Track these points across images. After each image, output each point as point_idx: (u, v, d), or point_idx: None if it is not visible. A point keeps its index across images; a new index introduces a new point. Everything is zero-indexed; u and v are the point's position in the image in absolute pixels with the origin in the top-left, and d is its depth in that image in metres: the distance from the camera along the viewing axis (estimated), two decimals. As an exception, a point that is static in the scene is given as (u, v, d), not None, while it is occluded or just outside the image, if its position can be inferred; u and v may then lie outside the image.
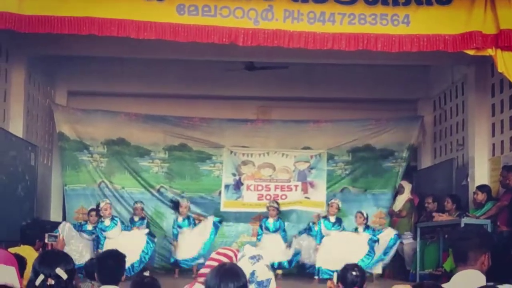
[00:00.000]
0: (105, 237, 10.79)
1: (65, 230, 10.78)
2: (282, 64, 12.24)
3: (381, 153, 13.08)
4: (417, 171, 13.39)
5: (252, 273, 3.63)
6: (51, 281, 3.63)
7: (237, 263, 3.98)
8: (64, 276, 3.67)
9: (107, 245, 10.49)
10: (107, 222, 10.91)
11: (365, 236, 10.89)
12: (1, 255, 5.01)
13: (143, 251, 10.72)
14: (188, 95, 13.30)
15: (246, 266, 3.67)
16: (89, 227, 11.30)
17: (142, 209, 11.99)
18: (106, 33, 8.47)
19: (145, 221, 11.90)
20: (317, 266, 10.85)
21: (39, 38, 9.60)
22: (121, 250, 5.06)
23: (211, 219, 11.66)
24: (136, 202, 12.13)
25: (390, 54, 8.87)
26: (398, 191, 12.67)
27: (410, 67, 12.34)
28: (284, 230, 11.70)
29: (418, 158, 13.44)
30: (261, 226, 11.73)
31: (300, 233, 11.88)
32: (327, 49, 8.71)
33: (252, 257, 3.71)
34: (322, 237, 11.09)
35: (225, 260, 4.07)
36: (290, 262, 11.44)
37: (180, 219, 11.61)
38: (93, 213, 11.32)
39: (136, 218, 11.83)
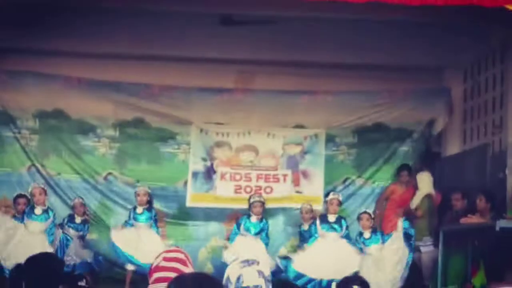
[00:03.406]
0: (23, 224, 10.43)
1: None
2: (268, 18, 11.59)
3: (397, 134, 12.78)
4: (441, 159, 13.13)
5: (238, 278, 3.59)
6: None
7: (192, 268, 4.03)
8: None
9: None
10: (38, 210, 10.71)
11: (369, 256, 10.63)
12: None
13: None
14: (146, 56, 12.68)
15: (234, 270, 3.60)
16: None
17: (82, 205, 11.70)
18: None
19: (88, 225, 11.75)
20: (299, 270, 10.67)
21: None
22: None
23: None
24: (75, 197, 11.93)
25: (410, 8, 8.91)
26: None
27: (435, 27, 11.63)
28: (267, 235, 11.39)
29: (443, 142, 13.17)
30: (238, 225, 11.28)
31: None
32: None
33: (244, 261, 3.51)
34: (315, 238, 11.00)
35: (180, 266, 4.18)
36: (274, 273, 10.65)
37: (139, 210, 11.29)
38: (21, 200, 10.96)
39: (78, 220, 11.50)
